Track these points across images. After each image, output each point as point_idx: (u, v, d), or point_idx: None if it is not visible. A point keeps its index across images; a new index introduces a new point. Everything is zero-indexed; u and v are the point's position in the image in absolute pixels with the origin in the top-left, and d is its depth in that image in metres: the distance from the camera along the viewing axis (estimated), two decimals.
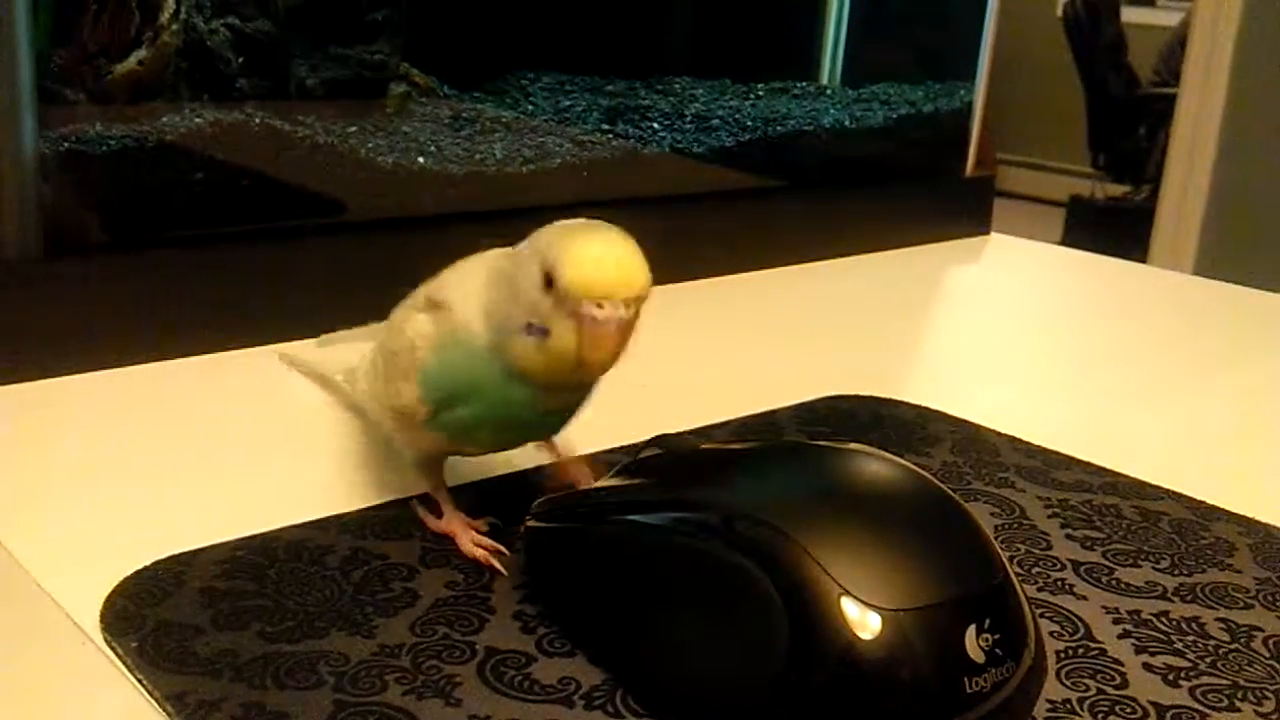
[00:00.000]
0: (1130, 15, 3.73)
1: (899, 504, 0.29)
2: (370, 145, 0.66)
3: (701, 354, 0.61)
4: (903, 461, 0.31)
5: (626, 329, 0.33)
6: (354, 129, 0.66)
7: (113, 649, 0.33)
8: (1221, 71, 2.39)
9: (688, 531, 0.30)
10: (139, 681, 0.31)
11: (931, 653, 0.26)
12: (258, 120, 0.61)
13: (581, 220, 0.35)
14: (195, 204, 0.59)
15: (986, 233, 0.90)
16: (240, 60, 0.61)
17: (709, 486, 0.31)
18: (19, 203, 0.52)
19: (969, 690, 0.26)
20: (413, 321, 0.37)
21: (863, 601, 0.26)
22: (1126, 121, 3.42)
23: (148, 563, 0.36)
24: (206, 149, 0.59)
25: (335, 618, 0.34)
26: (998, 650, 0.27)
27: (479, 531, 0.38)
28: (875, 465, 0.31)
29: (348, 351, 0.46)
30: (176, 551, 0.37)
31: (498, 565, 0.37)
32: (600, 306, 0.32)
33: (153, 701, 0.30)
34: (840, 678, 0.26)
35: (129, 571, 0.36)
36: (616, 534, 0.32)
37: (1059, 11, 3.73)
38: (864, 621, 0.26)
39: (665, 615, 0.30)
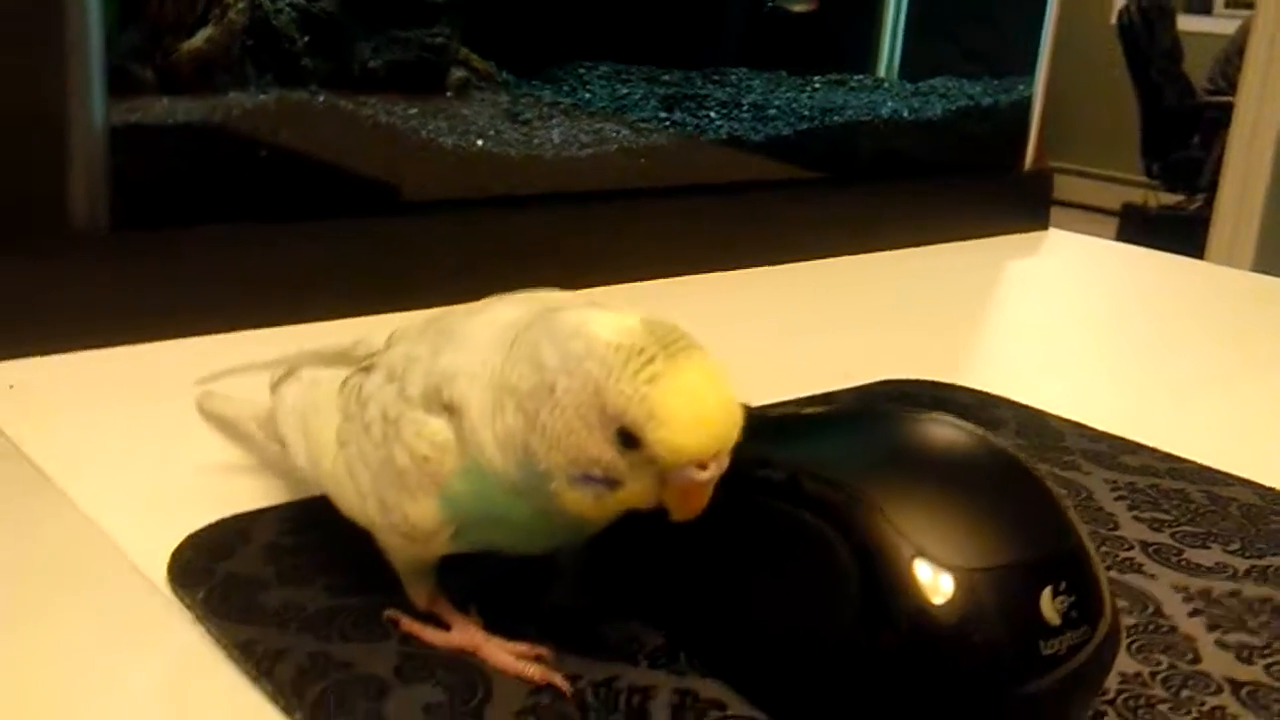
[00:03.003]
0: (1186, 23, 3.69)
1: (971, 467, 0.29)
2: (430, 128, 0.66)
3: (757, 339, 0.61)
4: (974, 428, 0.31)
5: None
6: (414, 111, 0.66)
7: (180, 599, 0.33)
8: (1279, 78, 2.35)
9: (755, 488, 0.29)
10: (207, 631, 0.31)
11: (1006, 613, 0.26)
12: (321, 99, 0.61)
13: (629, 319, 0.26)
14: (259, 181, 0.59)
15: (1045, 228, 0.89)
16: (304, 40, 0.62)
17: (778, 445, 0.30)
18: (88, 175, 0.53)
19: (1044, 653, 0.26)
20: (421, 425, 0.29)
21: (936, 560, 0.26)
22: (1181, 130, 3.38)
23: (213, 520, 0.37)
24: (271, 127, 0.60)
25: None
26: (1073, 613, 0.27)
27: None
28: (947, 430, 0.30)
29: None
30: (241, 510, 0.38)
31: (560, 682, 0.29)
32: (704, 468, 0.26)
33: (220, 650, 0.31)
34: (912, 638, 0.26)
35: (195, 528, 0.36)
36: None
37: (1113, 19, 3.69)
38: (937, 580, 0.26)
39: (729, 574, 0.30)
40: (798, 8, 0.89)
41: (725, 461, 0.26)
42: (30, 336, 0.50)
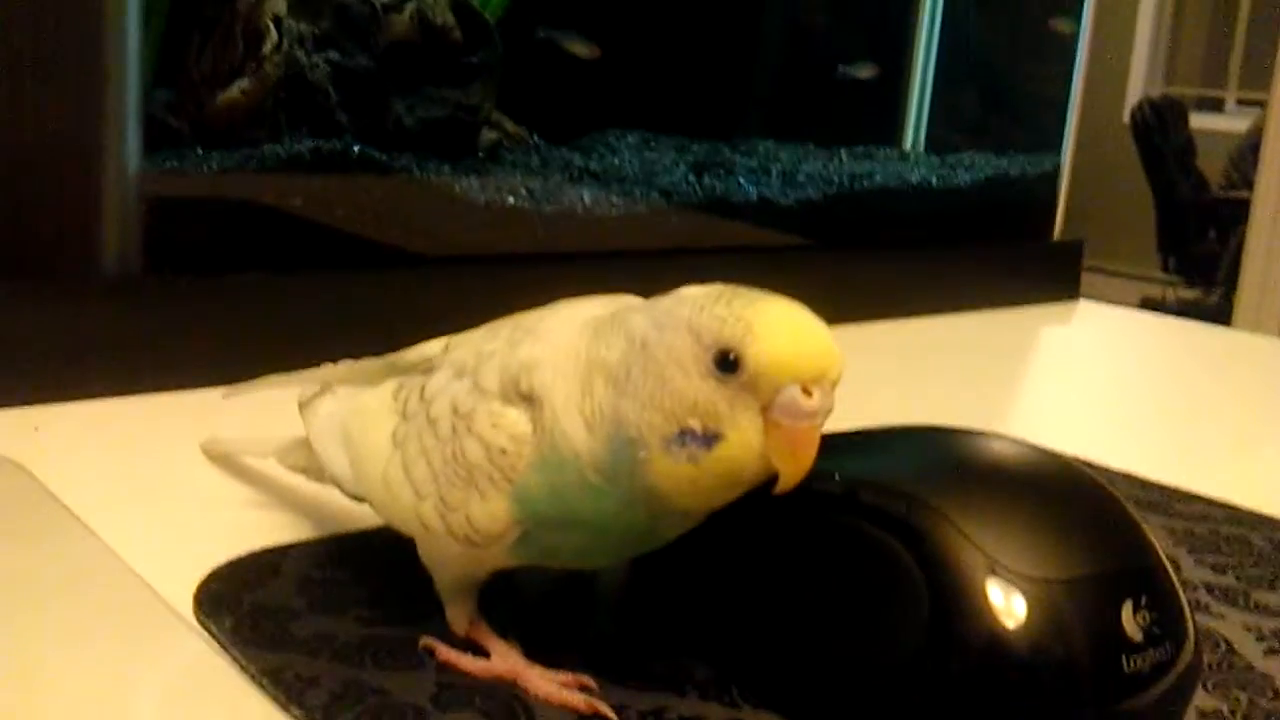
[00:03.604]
0: (1198, 121, 3.73)
1: (1042, 481, 0.28)
2: (461, 184, 0.66)
3: None
4: (1045, 447, 0.29)
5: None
6: (447, 168, 0.66)
7: (207, 629, 0.31)
8: None
9: (810, 503, 0.28)
10: (234, 659, 0.30)
11: (1086, 627, 0.24)
12: (354, 152, 0.61)
13: (723, 285, 0.26)
14: (290, 230, 0.59)
15: (1075, 297, 0.89)
16: (339, 95, 0.62)
17: (833, 461, 0.29)
18: (120, 220, 0.53)
19: (1127, 669, 0.24)
20: (498, 417, 0.27)
21: (1012, 571, 0.25)
22: (1196, 225, 3.39)
23: (243, 553, 0.36)
24: (304, 178, 0.60)
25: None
26: (1156, 630, 0.25)
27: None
28: (1013, 446, 0.29)
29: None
30: (271, 545, 0.36)
31: (606, 710, 0.27)
32: (809, 394, 0.24)
33: (246, 678, 0.29)
34: (988, 657, 0.24)
35: (223, 561, 0.35)
36: (732, 510, 0.29)
37: (1126, 117, 3.73)
38: (1014, 595, 0.24)
39: (784, 596, 0.28)
40: (862, 74, 0.90)
41: (831, 400, 0.24)
42: (59, 380, 0.49)
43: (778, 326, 0.24)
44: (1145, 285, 3.75)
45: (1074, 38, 0.96)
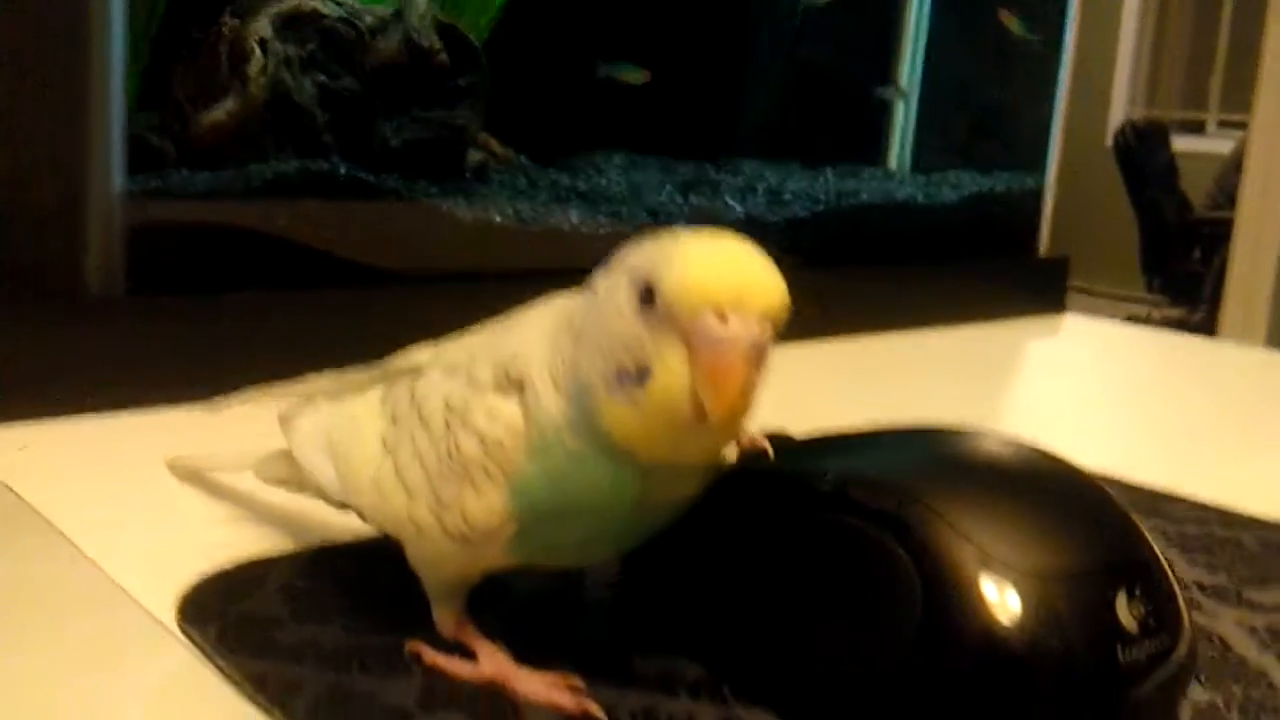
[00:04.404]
0: (1180, 143, 3.75)
1: (1035, 477, 0.28)
2: (448, 205, 0.66)
3: (770, 417, 0.60)
4: (1035, 443, 0.29)
5: (758, 359, 0.24)
6: (434, 189, 0.66)
7: (191, 639, 0.31)
8: (1278, 193, 2.38)
9: (800, 501, 0.28)
10: (218, 667, 0.30)
11: (1081, 619, 0.24)
12: (341, 174, 0.61)
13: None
14: (274, 250, 0.59)
15: (1060, 311, 0.89)
16: (326, 116, 0.62)
17: (823, 459, 0.29)
18: (104, 240, 0.53)
19: (1123, 661, 0.24)
20: (493, 409, 0.27)
21: (1005, 565, 0.24)
22: (1180, 245, 3.41)
23: (227, 565, 0.35)
24: (289, 199, 0.59)
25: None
26: (1150, 621, 0.25)
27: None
28: (1003, 444, 0.29)
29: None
30: (255, 557, 0.36)
31: (595, 710, 0.27)
32: (724, 320, 0.24)
33: (230, 685, 0.29)
34: (982, 653, 0.24)
35: (208, 572, 0.35)
36: (722, 508, 0.29)
37: (1109, 140, 3.76)
38: (1008, 588, 0.24)
39: (775, 594, 0.28)
40: (890, 96, 0.90)
41: (756, 331, 0.24)
42: (44, 399, 0.49)
43: (693, 256, 0.24)
44: (1130, 305, 3.76)
45: (1056, 61, 0.97)
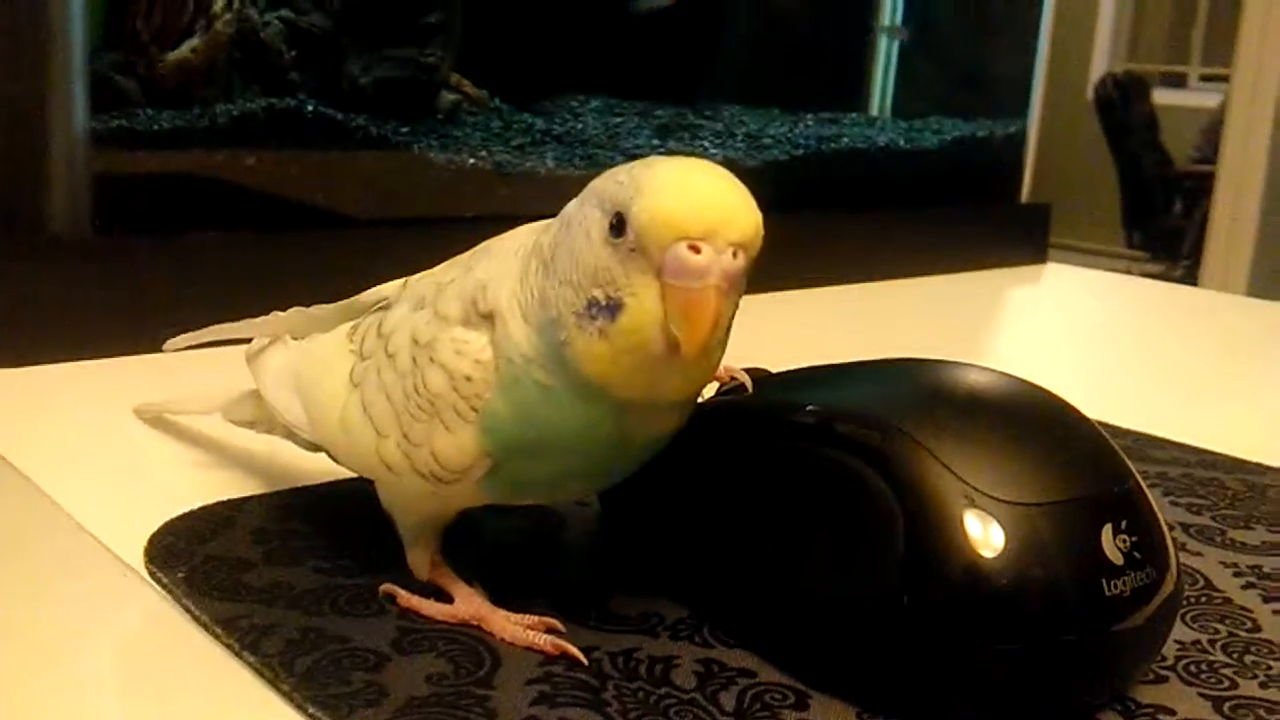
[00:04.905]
0: (1161, 97, 3.74)
1: (1018, 409, 0.27)
2: (420, 146, 0.65)
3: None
4: (1022, 378, 0.28)
5: (732, 290, 0.23)
6: (405, 130, 0.65)
7: (158, 581, 0.30)
8: (1261, 150, 2.38)
9: (782, 434, 0.27)
10: (186, 609, 0.29)
11: (1066, 550, 0.24)
12: (309, 112, 0.60)
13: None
14: (242, 190, 0.58)
15: (1043, 260, 0.88)
16: (293, 54, 0.60)
17: (806, 392, 0.28)
18: (69, 181, 0.51)
19: (1108, 593, 0.24)
20: (460, 343, 0.26)
21: (989, 497, 0.24)
22: (1161, 199, 3.41)
23: (195, 506, 0.34)
24: (255, 138, 0.58)
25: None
26: (1136, 553, 0.24)
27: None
28: (989, 375, 0.28)
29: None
30: (225, 498, 0.35)
31: (576, 652, 0.26)
32: (696, 251, 0.23)
33: (199, 627, 0.28)
34: (968, 582, 0.23)
35: (176, 514, 0.34)
36: (700, 445, 0.28)
37: (1089, 94, 3.74)
38: (991, 521, 0.24)
39: (756, 530, 0.27)
40: (892, 35, 0.88)
41: (729, 262, 0.23)
42: (9, 343, 0.48)
43: (664, 184, 0.23)
44: (1110, 260, 3.77)
45: (1038, 11, 0.96)
